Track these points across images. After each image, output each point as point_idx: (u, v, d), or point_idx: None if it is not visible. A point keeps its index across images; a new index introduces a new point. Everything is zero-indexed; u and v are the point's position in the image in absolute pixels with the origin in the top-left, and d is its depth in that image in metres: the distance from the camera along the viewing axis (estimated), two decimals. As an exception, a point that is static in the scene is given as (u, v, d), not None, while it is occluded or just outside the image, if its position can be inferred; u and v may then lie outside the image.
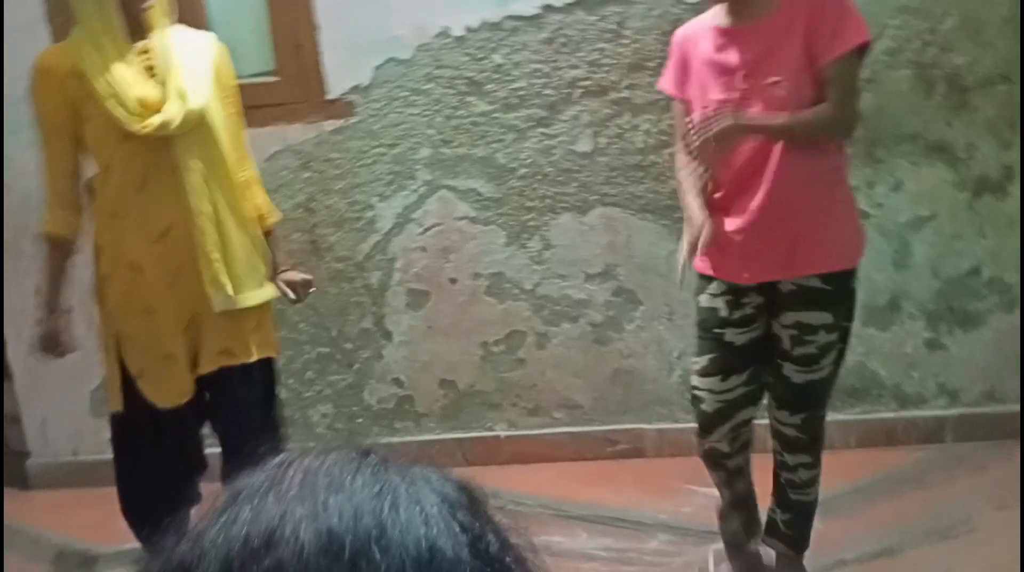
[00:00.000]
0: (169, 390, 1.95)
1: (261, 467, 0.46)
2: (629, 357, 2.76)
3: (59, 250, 1.96)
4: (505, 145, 2.62)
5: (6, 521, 2.56)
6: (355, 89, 2.60)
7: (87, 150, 1.91)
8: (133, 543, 2.08)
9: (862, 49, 1.83)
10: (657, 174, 2.61)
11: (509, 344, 2.77)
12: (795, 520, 2.09)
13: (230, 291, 1.92)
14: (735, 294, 1.94)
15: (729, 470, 2.06)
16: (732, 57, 1.84)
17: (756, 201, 1.87)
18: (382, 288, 2.75)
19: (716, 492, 2.18)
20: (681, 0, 2.49)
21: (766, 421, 2.06)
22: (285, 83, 2.59)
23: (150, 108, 1.84)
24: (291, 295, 2.11)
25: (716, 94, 1.87)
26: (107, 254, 1.94)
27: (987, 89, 2.50)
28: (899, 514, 2.40)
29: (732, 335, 1.94)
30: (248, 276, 1.98)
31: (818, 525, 2.16)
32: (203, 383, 1.98)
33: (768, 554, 2.17)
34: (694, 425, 2.07)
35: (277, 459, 0.47)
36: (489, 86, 2.58)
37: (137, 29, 1.87)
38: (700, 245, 1.85)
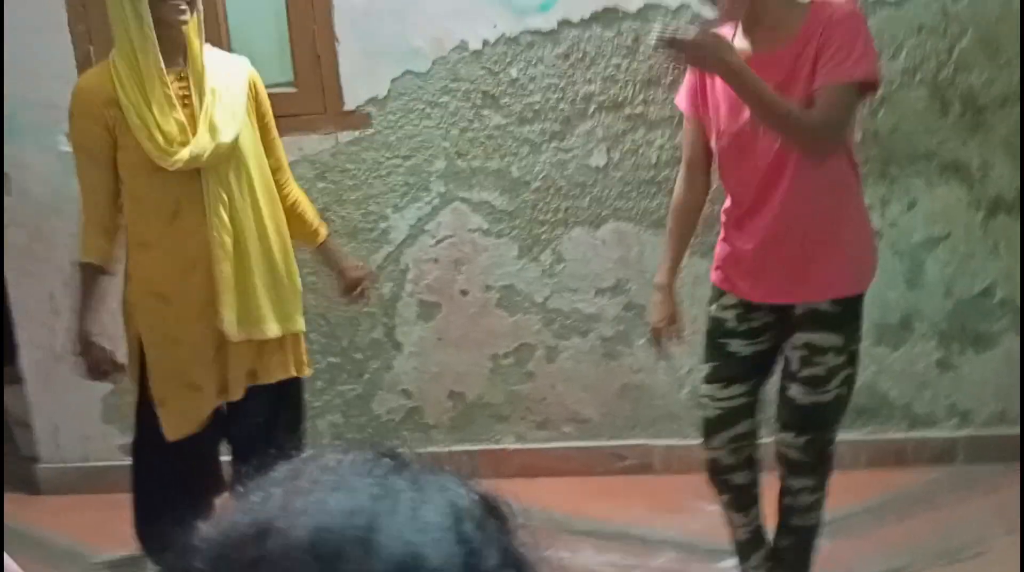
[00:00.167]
0: (187, 420, 1.95)
1: (284, 463, 0.47)
2: (639, 372, 2.75)
3: (93, 277, 1.97)
4: (519, 158, 2.63)
5: (15, 525, 2.57)
6: (372, 101, 2.62)
7: (121, 177, 1.91)
8: (135, 549, 2.09)
9: (864, 87, 1.78)
10: (670, 189, 2.59)
11: (519, 357, 2.77)
12: (796, 546, 2.06)
13: (234, 327, 1.92)
14: (746, 309, 1.94)
15: (735, 488, 2.03)
16: None
17: (767, 221, 1.87)
18: (393, 299, 2.76)
19: (735, 561, 2.13)
20: (699, 17, 2.50)
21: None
22: (303, 94, 2.61)
23: (178, 141, 1.84)
24: (361, 299, 2.27)
25: (731, 123, 1.85)
26: (136, 282, 1.95)
27: (1003, 108, 2.50)
28: (909, 535, 2.38)
29: (736, 346, 1.96)
30: (271, 307, 1.98)
31: (827, 545, 2.15)
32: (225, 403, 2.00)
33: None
34: (712, 483, 2.07)
35: (303, 454, 0.48)
36: (505, 100, 2.60)
37: (173, 50, 1.85)
38: (659, 344, 2.11)
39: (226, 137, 1.87)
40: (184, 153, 1.83)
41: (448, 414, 2.82)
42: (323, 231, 2.19)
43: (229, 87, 1.92)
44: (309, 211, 2.17)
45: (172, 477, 1.96)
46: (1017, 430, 2.67)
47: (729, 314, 1.96)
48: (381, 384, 2.83)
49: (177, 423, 1.95)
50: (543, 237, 2.68)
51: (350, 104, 2.63)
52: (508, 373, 2.79)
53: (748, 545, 2.10)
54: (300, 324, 2.07)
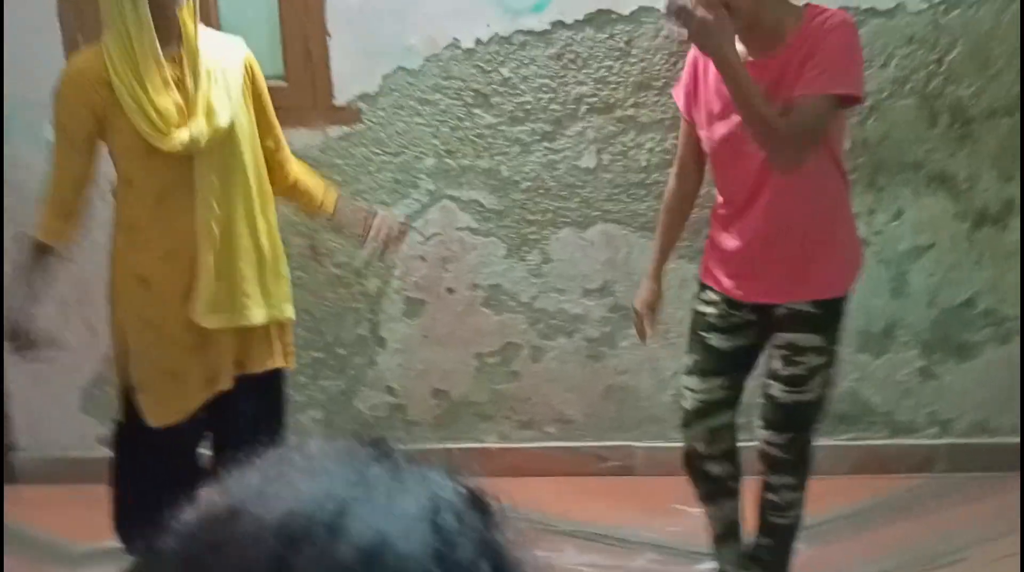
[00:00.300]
0: (170, 409, 1.92)
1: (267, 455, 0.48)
2: (623, 374, 2.76)
3: (43, 256, 1.91)
4: (509, 158, 2.63)
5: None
6: (363, 96, 2.61)
7: (113, 159, 1.88)
8: (112, 541, 2.06)
9: (846, 100, 1.78)
10: (659, 193, 2.60)
11: (504, 356, 2.77)
12: (775, 546, 2.09)
13: (204, 315, 1.88)
14: (728, 305, 1.98)
15: (710, 479, 2.06)
16: None
17: (754, 222, 1.90)
18: (379, 295, 2.75)
19: (712, 548, 2.16)
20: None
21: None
22: (293, 88, 2.59)
23: (175, 123, 1.80)
24: (380, 245, 2.15)
25: (723, 124, 1.86)
26: (120, 266, 1.92)
27: (991, 121, 2.52)
28: (888, 542, 2.40)
29: (716, 340, 2.00)
30: (257, 294, 1.95)
31: (807, 551, 2.16)
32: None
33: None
34: (688, 472, 2.10)
35: (291, 442, 0.48)
36: (496, 99, 2.59)
37: (167, 32, 1.82)
38: (641, 327, 2.13)
39: (223, 121, 1.84)
40: (183, 134, 1.80)
41: (432, 412, 2.82)
42: (332, 199, 2.12)
43: (225, 70, 1.88)
44: (314, 186, 2.11)
45: (153, 469, 1.93)
46: (996, 440, 2.70)
47: (711, 309, 2.00)
48: (365, 380, 2.82)
49: (159, 410, 1.92)
50: (531, 237, 2.68)
51: (340, 99, 2.61)
52: (493, 372, 2.78)
53: (721, 539, 2.13)
54: (288, 311, 2.03)
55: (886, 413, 2.73)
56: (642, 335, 2.15)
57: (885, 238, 2.61)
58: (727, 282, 1.96)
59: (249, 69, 1.97)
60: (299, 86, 2.60)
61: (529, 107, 2.59)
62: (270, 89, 2.05)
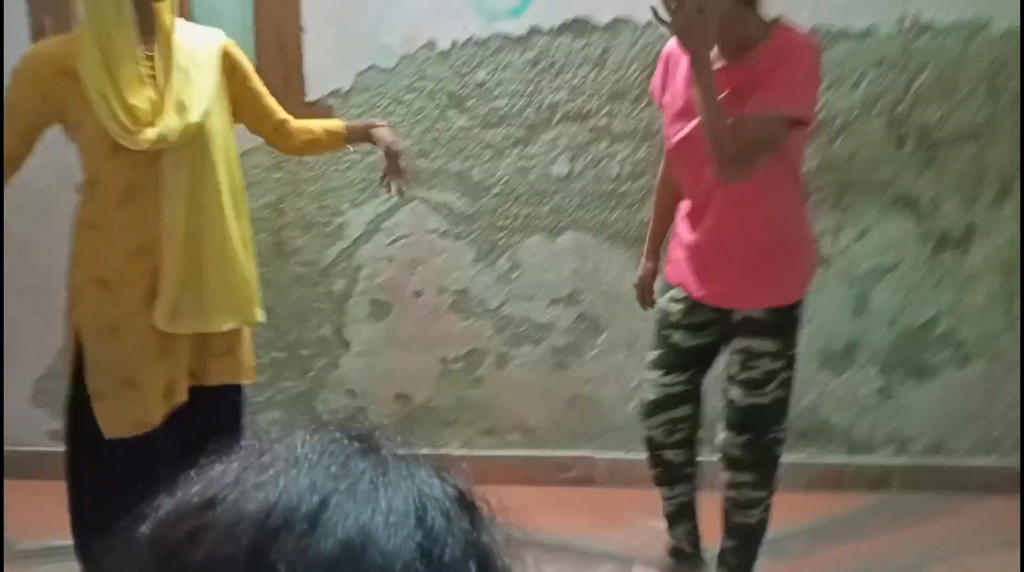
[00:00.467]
0: (127, 420, 1.82)
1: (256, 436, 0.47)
2: (588, 383, 2.75)
3: None
4: (482, 162, 2.62)
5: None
6: (335, 93, 2.58)
7: (80, 155, 1.81)
8: (60, 539, 2.00)
9: (796, 123, 1.82)
10: (630, 203, 2.62)
11: (469, 362, 2.75)
12: (739, 548, 2.14)
13: (166, 321, 1.81)
14: (691, 305, 2.06)
15: (666, 464, 2.16)
16: None
17: (710, 223, 1.96)
18: (344, 296, 2.72)
19: (664, 525, 2.25)
20: (666, 36, 2.51)
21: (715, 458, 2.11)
22: (265, 82, 2.53)
23: (144, 120, 1.74)
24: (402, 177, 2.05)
25: (684, 123, 1.91)
26: (81, 267, 1.83)
27: (956, 146, 2.56)
28: (843, 559, 2.41)
29: (678, 338, 2.09)
30: (224, 299, 1.88)
31: (764, 566, 2.17)
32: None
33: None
34: (647, 455, 2.21)
35: (270, 432, 0.47)
36: (471, 102, 2.58)
37: (144, 27, 1.76)
38: (642, 300, 2.23)
39: (194, 116, 1.78)
40: (151, 133, 1.73)
41: (393, 417, 2.78)
42: (338, 131, 2.08)
43: (199, 64, 1.83)
44: (313, 123, 2.09)
45: (111, 482, 1.78)
46: (951, 461, 2.74)
47: (675, 307, 2.08)
48: (326, 382, 2.77)
49: (115, 421, 1.82)
50: (501, 242, 2.67)
51: (312, 95, 2.58)
52: (457, 378, 2.76)
53: (674, 517, 2.24)
54: (258, 315, 1.97)
55: (845, 431, 2.76)
56: (645, 305, 2.26)
57: (849, 257, 2.64)
58: (689, 281, 2.03)
59: (229, 58, 1.92)
60: (271, 80, 2.54)
61: (503, 112, 2.58)
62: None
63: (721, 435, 2.07)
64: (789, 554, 2.39)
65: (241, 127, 2.59)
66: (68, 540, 1.95)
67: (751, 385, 1.99)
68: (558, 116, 2.58)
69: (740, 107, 1.79)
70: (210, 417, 1.91)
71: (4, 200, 1.84)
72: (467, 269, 2.68)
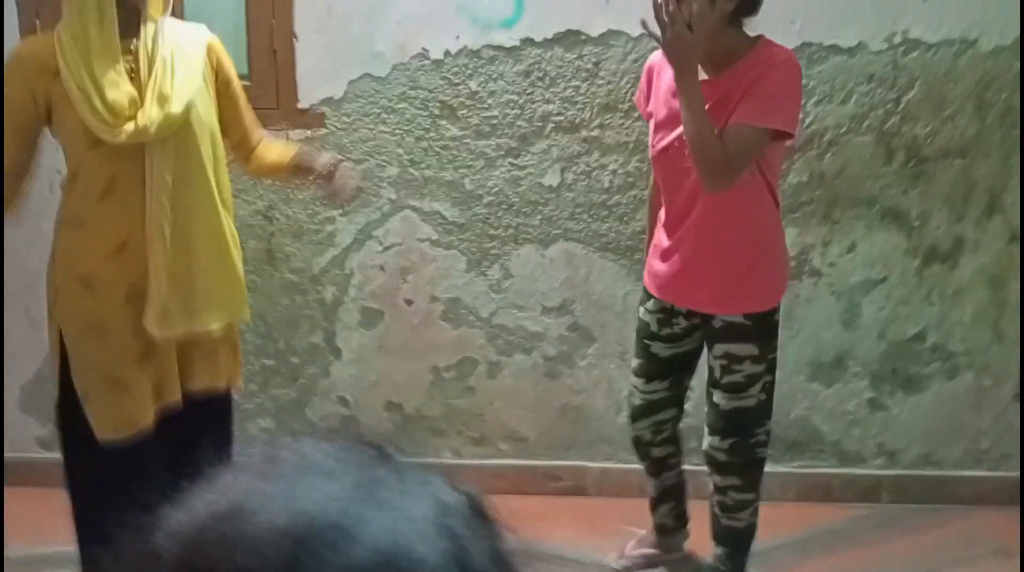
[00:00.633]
0: (119, 421, 1.79)
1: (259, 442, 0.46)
2: (579, 393, 2.75)
3: None
4: (473, 171, 2.62)
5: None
6: (327, 101, 2.58)
7: (62, 150, 1.79)
8: (49, 547, 1.98)
9: (777, 135, 1.86)
10: (621, 214, 2.63)
11: (460, 371, 2.74)
12: (729, 554, 2.18)
13: (156, 325, 1.77)
14: (668, 314, 2.11)
15: (653, 459, 2.27)
16: None
17: (687, 233, 2.00)
18: (335, 304, 2.71)
19: (648, 507, 2.37)
20: (657, 48, 2.53)
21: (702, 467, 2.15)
22: (257, 88, 2.55)
23: (123, 115, 1.71)
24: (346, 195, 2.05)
25: (666, 133, 1.94)
26: (61, 265, 1.80)
27: (944, 161, 2.58)
28: (832, 571, 2.42)
29: (657, 348, 2.16)
30: (213, 299, 1.85)
31: (753, 575, 2.17)
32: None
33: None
34: (638, 466, 2.29)
35: (275, 439, 0.46)
36: (463, 112, 2.59)
37: (127, 24, 1.75)
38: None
39: (176, 107, 1.74)
40: (129, 127, 1.71)
41: (384, 425, 2.77)
42: (290, 153, 2.05)
43: (184, 55, 1.80)
44: (276, 148, 2.05)
45: (108, 487, 1.73)
46: (940, 473, 2.75)
47: (652, 318, 2.13)
48: (316, 390, 2.77)
49: (107, 422, 1.79)
50: (492, 252, 2.67)
51: (304, 102, 2.58)
52: (448, 387, 2.75)
53: (658, 499, 2.34)
54: (245, 315, 1.95)
55: (834, 442, 2.77)
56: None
57: (838, 270, 2.65)
58: (667, 289, 2.07)
59: (213, 52, 1.90)
60: (263, 87, 2.56)
61: (495, 122, 2.59)
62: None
63: (707, 440, 2.11)
64: (779, 565, 2.39)
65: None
66: (57, 548, 1.93)
67: (734, 389, 2.04)
68: (550, 127, 2.59)
69: (723, 119, 1.83)
70: (200, 424, 1.89)
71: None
72: (459, 278, 2.69)
